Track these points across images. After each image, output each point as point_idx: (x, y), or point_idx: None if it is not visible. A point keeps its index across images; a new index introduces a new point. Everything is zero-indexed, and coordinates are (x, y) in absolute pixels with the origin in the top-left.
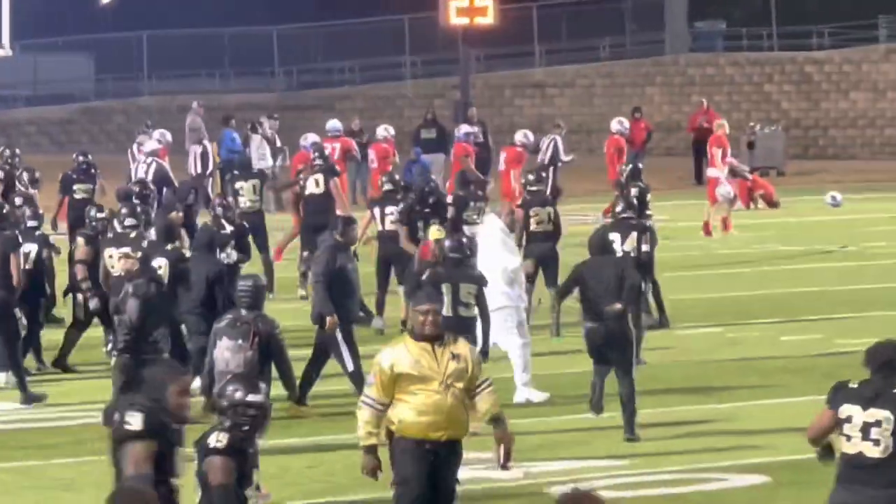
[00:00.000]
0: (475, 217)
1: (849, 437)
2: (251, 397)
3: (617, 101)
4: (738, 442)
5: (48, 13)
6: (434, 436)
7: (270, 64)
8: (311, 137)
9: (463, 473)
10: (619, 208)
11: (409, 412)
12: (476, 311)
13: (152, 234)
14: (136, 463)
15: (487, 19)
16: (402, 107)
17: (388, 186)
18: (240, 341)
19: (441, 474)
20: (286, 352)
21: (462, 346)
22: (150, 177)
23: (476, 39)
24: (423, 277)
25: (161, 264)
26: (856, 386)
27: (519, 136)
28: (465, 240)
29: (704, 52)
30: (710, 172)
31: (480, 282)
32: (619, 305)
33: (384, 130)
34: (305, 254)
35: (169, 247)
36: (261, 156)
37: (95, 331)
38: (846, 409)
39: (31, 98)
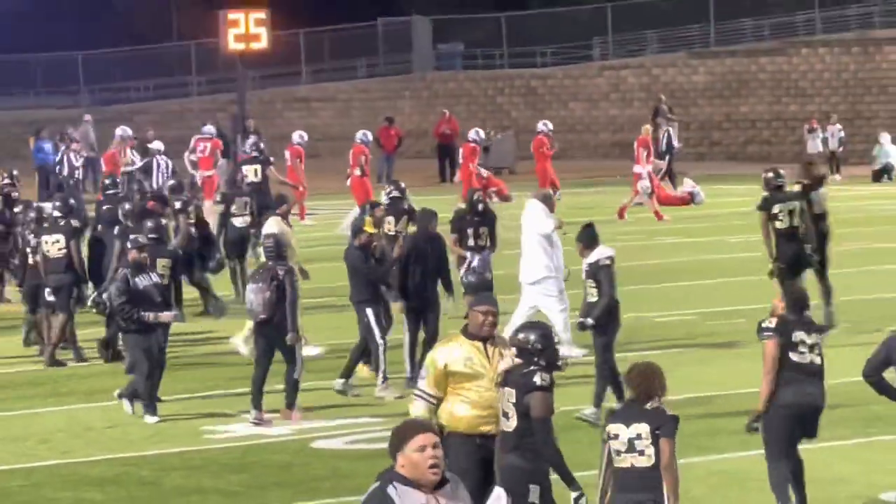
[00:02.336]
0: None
1: None
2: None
3: (372, 113)
4: None
5: None
6: (484, 430)
7: (77, 83)
8: (207, 128)
9: None
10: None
11: (461, 407)
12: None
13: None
14: None
15: (261, 44)
16: (189, 119)
17: (395, 193)
18: (260, 284)
19: (491, 466)
20: (296, 295)
21: (507, 349)
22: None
23: (251, 61)
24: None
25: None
26: None
27: (471, 134)
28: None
29: (446, 69)
30: (635, 168)
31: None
32: None
33: (299, 137)
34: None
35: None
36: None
37: None
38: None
39: None
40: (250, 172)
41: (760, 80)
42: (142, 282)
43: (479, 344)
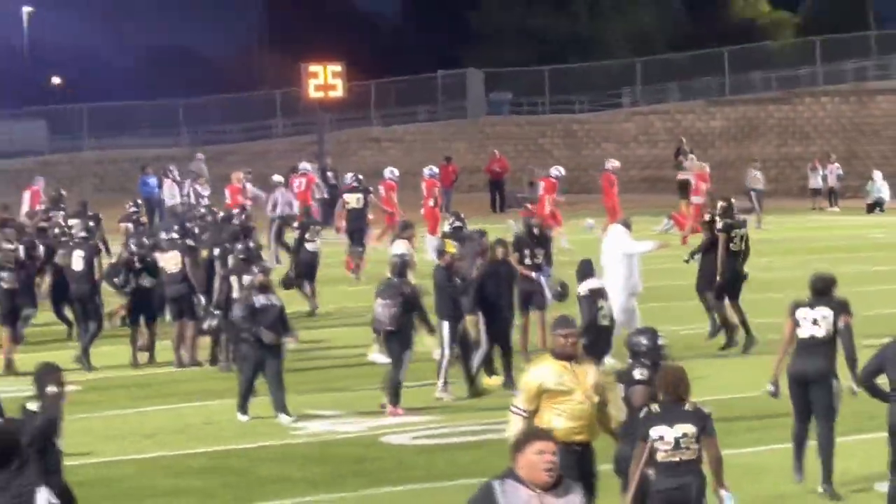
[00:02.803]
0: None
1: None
2: (660, 341)
3: (433, 152)
4: None
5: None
6: (577, 438)
7: (178, 126)
8: (303, 165)
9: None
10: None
11: (557, 420)
12: None
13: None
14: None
15: (338, 93)
16: (273, 158)
17: (457, 223)
18: (388, 301)
19: (584, 470)
20: (423, 307)
21: (591, 366)
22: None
23: (329, 107)
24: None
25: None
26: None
27: (553, 171)
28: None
29: (497, 115)
30: (694, 199)
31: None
32: None
33: (390, 172)
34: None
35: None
36: (171, 195)
37: None
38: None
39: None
40: (352, 200)
41: (769, 125)
42: (261, 301)
43: (566, 363)
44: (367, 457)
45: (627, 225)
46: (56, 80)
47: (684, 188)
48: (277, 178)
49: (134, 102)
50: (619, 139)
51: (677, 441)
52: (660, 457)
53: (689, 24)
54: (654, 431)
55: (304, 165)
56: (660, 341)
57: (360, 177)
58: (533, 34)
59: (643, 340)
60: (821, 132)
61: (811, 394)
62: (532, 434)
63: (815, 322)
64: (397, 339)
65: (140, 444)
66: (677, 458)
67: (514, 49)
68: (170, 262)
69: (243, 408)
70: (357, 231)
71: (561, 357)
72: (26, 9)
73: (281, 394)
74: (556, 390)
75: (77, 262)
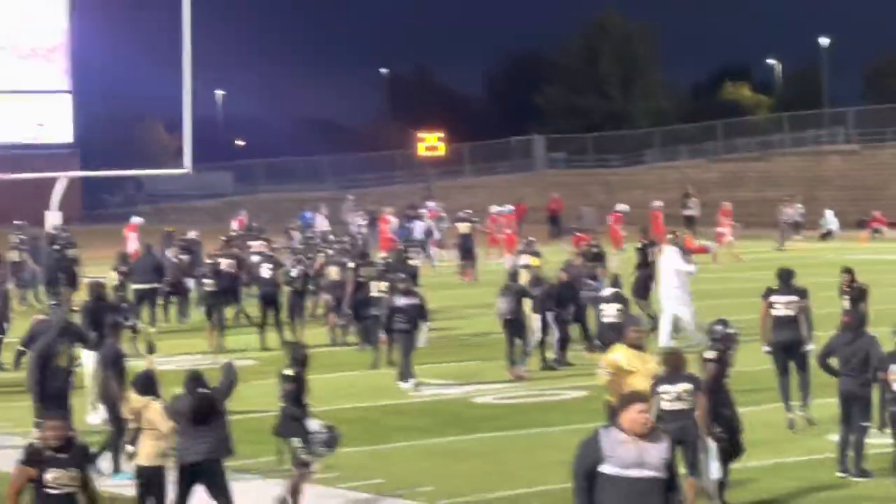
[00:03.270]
0: None
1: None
2: (730, 330)
3: (509, 195)
4: None
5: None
6: None
7: (324, 178)
8: (429, 204)
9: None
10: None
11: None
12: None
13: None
14: None
15: (440, 152)
16: (393, 200)
17: (595, 250)
18: (508, 297)
19: None
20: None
21: (649, 355)
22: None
23: (434, 162)
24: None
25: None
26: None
27: (619, 206)
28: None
29: (555, 168)
30: (719, 230)
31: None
32: None
33: (499, 208)
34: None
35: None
36: (322, 224)
37: None
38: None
39: (192, 196)
40: (463, 227)
41: (751, 177)
42: (402, 301)
43: (635, 350)
44: (463, 412)
45: (680, 247)
46: (239, 141)
47: (690, 222)
48: (422, 210)
49: (293, 158)
50: (643, 187)
51: (678, 395)
52: (664, 406)
53: (693, 104)
54: (661, 388)
55: (430, 204)
56: (730, 330)
57: (469, 211)
58: (580, 110)
59: (718, 328)
60: (789, 182)
61: (791, 355)
62: (634, 397)
63: (787, 305)
64: (512, 325)
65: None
66: (678, 408)
67: (566, 121)
68: (332, 272)
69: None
70: (467, 250)
71: (632, 346)
72: (219, 91)
73: (407, 366)
74: (625, 369)
75: (265, 271)
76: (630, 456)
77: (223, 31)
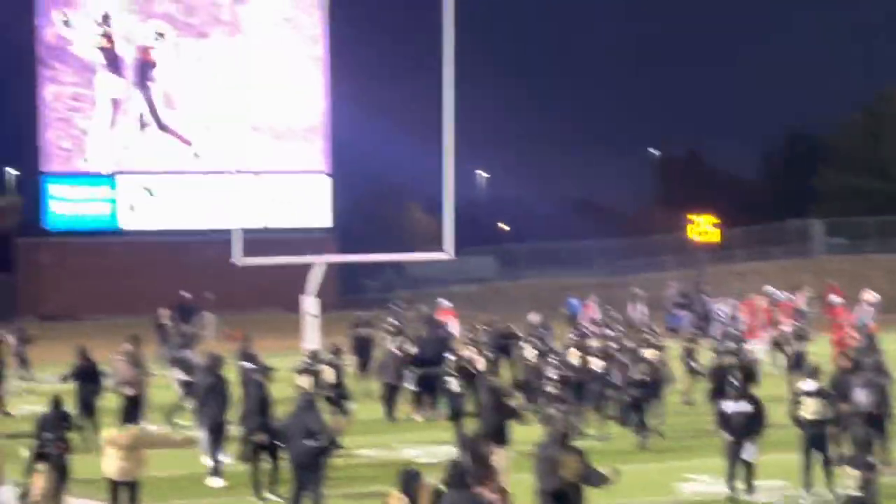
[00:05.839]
0: None
1: None
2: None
3: (784, 281)
4: None
5: (469, 232)
6: None
7: (591, 261)
8: (769, 290)
9: None
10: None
11: None
12: None
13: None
14: None
15: (713, 237)
16: (661, 287)
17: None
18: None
19: None
20: None
21: None
22: None
23: (706, 247)
24: None
25: None
26: None
27: (867, 295)
28: None
29: (833, 254)
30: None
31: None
32: None
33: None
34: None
35: None
36: (593, 313)
37: None
38: None
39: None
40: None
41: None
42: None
43: None
44: None
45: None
46: (503, 225)
47: None
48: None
49: (558, 243)
50: None
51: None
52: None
53: None
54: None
55: (777, 295)
56: None
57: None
58: (861, 193)
59: None
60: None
61: None
62: None
63: None
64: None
65: None
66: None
67: (846, 203)
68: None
69: None
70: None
71: None
72: (482, 173)
73: None
74: None
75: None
76: None
77: (486, 111)
